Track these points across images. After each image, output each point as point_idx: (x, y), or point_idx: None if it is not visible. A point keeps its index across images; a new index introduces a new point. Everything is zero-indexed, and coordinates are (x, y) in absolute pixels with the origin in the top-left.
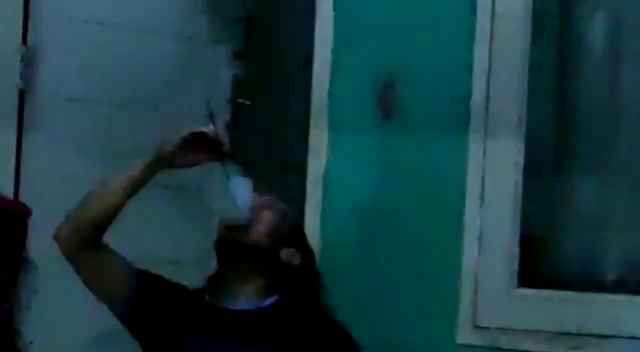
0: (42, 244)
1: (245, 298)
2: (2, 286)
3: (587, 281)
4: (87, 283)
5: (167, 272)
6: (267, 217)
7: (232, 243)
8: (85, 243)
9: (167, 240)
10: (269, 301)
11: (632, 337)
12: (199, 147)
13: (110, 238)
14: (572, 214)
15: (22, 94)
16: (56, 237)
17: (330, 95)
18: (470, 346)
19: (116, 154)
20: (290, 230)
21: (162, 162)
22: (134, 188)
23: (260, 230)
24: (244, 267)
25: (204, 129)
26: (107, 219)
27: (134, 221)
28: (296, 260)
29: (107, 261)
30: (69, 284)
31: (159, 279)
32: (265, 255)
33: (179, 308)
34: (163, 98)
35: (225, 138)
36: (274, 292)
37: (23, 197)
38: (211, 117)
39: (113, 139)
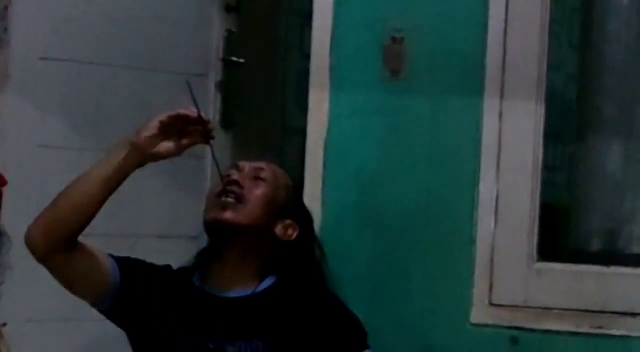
0: (17, 218)
1: (240, 283)
2: None
3: (613, 254)
4: (65, 285)
5: (156, 249)
6: (258, 195)
7: (221, 225)
8: (59, 247)
9: (157, 212)
10: (265, 284)
11: None
12: (181, 131)
13: None
14: (597, 183)
15: None
16: (27, 241)
17: (332, 51)
18: (486, 326)
19: (98, 118)
20: (286, 200)
21: (140, 153)
22: (111, 187)
23: (253, 210)
24: (236, 249)
25: (185, 112)
26: (81, 221)
27: (120, 192)
28: (294, 233)
29: (84, 261)
30: None
31: (142, 267)
32: (259, 234)
33: (167, 298)
34: (148, 56)
35: (209, 116)
36: (271, 272)
37: None
38: (193, 98)
39: (94, 101)
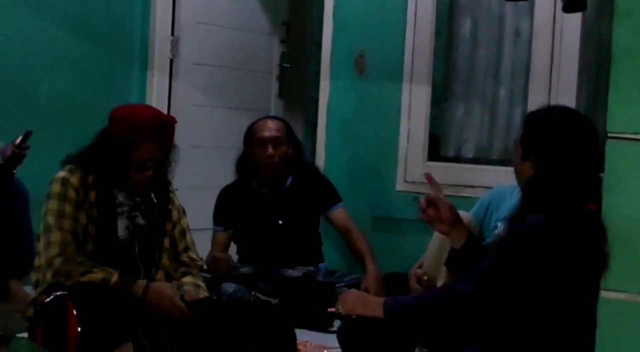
0: (180, 140)
1: (279, 184)
2: (164, 161)
3: (460, 157)
4: None
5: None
6: (281, 154)
7: (274, 177)
8: None
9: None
10: (288, 182)
11: (487, 187)
12: None
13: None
14: (453, 123)
15: (171, 61)
16: None
17: (331, 61)
18: (403, 191)
19: (220, 92)
20: (288, 139)
21: None
22: None
23: (283, 162)
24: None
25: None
26: None
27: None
28: (292, 149)
29: None
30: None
31: (228, 209)
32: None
33: (246, 206)
34: (243, 63)
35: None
36: (289, 174)
37: (171, 113)
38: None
39: (218, 84)
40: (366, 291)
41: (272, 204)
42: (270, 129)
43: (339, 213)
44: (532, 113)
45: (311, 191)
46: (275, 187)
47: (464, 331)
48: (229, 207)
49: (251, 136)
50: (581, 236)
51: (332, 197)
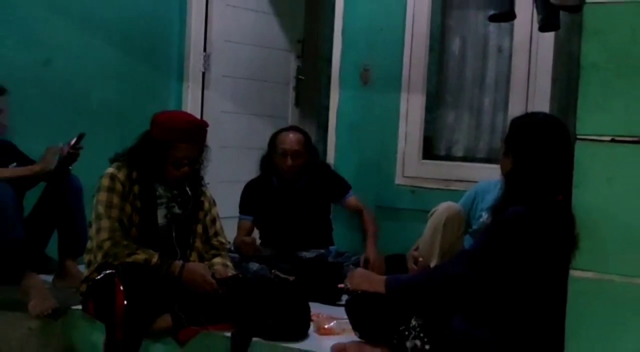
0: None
1: (297, 181)
2: (197, 160)
3: (450, 156)
4: None
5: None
6: (301, 163)
7: (293, 181)
8: None
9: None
10: (304, 180)
11: (474, 181)
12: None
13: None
14: (445, 126)
15: (203, 74)
16: None
17: (340, 74)
18: (401, 185)
19: (245, 101)
20: (306, 149)
21: None
22: None
23: (301, 168)
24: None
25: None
26: None
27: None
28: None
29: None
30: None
31: (253, 201)
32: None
33: (268, 201)
34: (264, 75)
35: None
36: (304, 173)
37: (204, 118)
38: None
39: (243, 94)
40: (366, 261)
41: (289, 198)
42: (292, 142)
43: (351, 200)
44: (516, 118)
45: (323, 185)
46: (293, 185)
47: (452, 304)
48: (252, 199)
49: (275, 145)
50: (553, 223)
51: (343, 188)
